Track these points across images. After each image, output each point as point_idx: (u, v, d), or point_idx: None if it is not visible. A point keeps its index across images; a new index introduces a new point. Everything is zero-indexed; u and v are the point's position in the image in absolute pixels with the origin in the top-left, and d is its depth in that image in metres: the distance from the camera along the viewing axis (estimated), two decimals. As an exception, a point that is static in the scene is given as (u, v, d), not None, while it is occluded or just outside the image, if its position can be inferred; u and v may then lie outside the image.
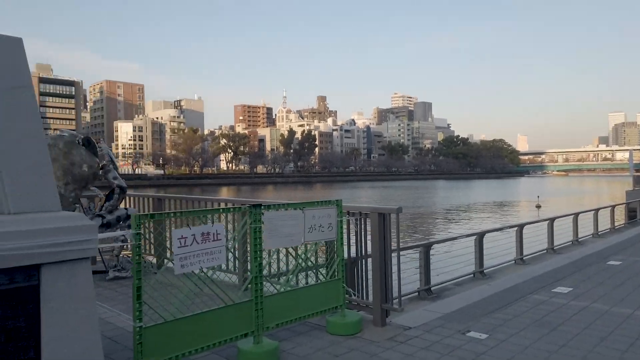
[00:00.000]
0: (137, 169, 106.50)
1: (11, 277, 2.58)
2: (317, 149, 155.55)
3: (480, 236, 8.72)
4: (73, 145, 6.41)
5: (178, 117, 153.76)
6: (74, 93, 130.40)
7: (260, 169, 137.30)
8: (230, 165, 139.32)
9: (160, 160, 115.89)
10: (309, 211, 4.39)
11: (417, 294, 7.03)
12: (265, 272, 4.05)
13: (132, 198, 8.04)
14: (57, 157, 6.19)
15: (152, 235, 3.90)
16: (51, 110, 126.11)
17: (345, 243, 4.76)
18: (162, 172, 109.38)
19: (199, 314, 3.48)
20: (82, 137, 6.61)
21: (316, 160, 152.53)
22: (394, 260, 4.90)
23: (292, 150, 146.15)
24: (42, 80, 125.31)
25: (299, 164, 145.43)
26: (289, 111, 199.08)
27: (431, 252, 7.58)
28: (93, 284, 2.91)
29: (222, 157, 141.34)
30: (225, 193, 74.83)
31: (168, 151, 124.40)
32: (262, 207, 4.00)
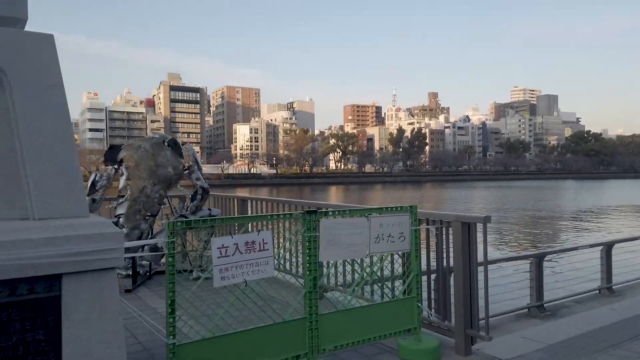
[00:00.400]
0: (252, 169, 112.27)
1: (31, 287, 2.43)
2: (427, 148, 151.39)
3: (608, 246, 7.47)
4: (159, 147, 6.55)
5: (290, 118, 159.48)
6: (199, 99, 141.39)
7: (368, 168, 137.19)
8: (339, 164, 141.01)
9: (274, 160, 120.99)
10: (376, 219, 3.87)
11: (526, 310, 6.16)
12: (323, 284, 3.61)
13: (219, 198, 8.10)
14: (144, 158, 6.35)
15: (187, 244, 3.67)
16: (179, 115, 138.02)
17: (421, 254, 4.15)
18: (274, 171, 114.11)
19: (242, 331, 3.16)
20: (169, 138, 6.73)
21: (426, 159, 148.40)
22: (491, 274, 4.20)
23: (401, 149, 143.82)
24: (172, 88, 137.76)
25: (408, 163, 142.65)
26: (398, 109, 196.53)
27: (546, 263, 6.62)
28: (119, 296, 2.71)
29: (331, 156, 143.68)
30: (333, 192, 75.78)
31: (280, 151, 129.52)
32: (319, 213, 3.58)
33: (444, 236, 4.26)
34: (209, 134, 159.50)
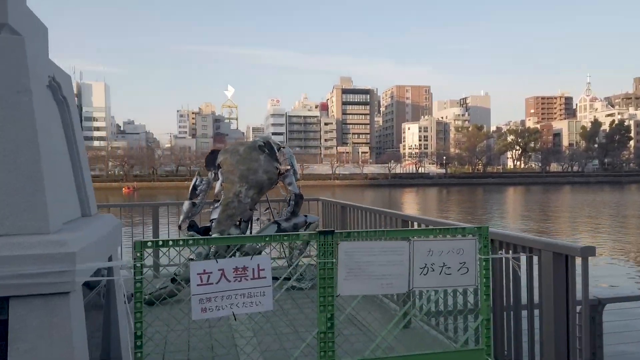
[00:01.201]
0: (420, 168, 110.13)
1: (-22, 308, 2.29)
2: (631, 142, 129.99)
3: None
4: (253, 151, 6.42)
5: (462, 115, 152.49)
6: (368, 100, 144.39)
7: (554, 167, 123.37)
8: (518, 163, 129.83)
9: (443, 159, 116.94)
10: (422, 243, 3.00)
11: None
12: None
13: (328, 204, 7.71)
14: (237, 163, 6.28)
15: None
16: (350, 116, 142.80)
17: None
18: (444, 171, 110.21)
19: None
20: (264, 142, 6.57)
21: (630, 156, 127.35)
22: (606, 317, 3.02)
23: (596, 145, 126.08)
24: (344, 91, 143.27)
25: (605, 160, 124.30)
26: (593, 99, 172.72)
27: None
28: (78, 323, 2.45)
29: (508, 154, 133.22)
30: (510, 194, 69.70)
31: (451, 150, 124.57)
32: (336, 234, 2.88)
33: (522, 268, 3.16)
34: (378, 134, 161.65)
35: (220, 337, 4.34)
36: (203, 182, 6.62)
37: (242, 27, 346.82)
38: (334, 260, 2.84)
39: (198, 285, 2.60)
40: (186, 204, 6.53)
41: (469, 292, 3.44)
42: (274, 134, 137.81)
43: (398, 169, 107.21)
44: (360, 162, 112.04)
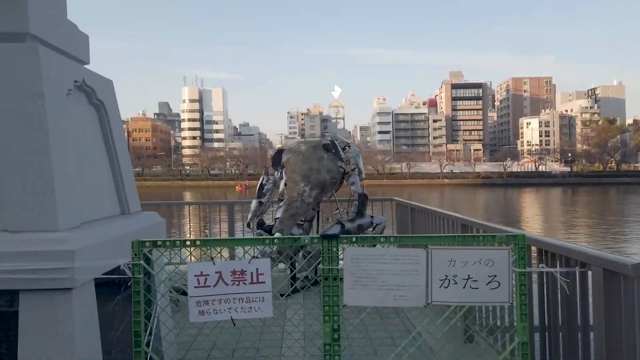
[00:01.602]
0: (540, 166, 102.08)
1: (-7, 299, 2.47)
2: None
3: None
4: (316, 150, 6.33)
5: (591, 107, 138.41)
6: (481, 95, 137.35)
7: None
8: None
9: (568, 156, 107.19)
10: (441, 252, 2.66)
11: None
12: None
13: (395, 204, 7.37)
14: (299, 162, 6.24)
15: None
16: (460, 112, 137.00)
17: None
18: (568, 169, 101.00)
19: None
20: (329, 140, 6.45)
21: None
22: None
23: None
24: (454, 86, 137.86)
25: None
26: None
27: None
28: (89, 320, 2.54)
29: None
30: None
31: (578, 146, 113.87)
32: (340, 239, 2.65)
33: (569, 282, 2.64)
34: (492, 130, 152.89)
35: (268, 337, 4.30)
36: (269, 181, 6.67)
37: (349, 29, 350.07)
38: (338, 267, 2.62)
39: (195, 287, 2.56)
40: (253, 203, 6.63)
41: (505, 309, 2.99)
42: (380, 132, 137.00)
43: (515, 167, 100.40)
44: (472, 160, 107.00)
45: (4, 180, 2.62)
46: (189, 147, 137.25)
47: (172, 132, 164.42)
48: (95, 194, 3.31)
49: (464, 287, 2.64)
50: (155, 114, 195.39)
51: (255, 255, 5.46)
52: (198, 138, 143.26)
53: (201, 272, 2.57)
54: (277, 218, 6.23)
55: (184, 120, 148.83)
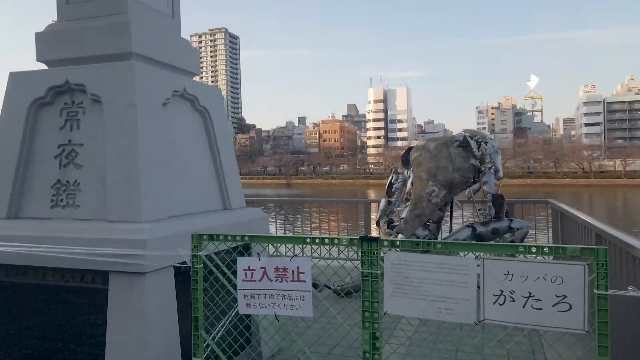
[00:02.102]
0: None
1: (93, 278, 3.01)
2: None
3: None
4: (444, 147, 5.99)
5: None
6: None
7: None
8: None
9: None
10: (497, 263, 2.28)
11: None
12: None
13: (550, 208, 6.45)
14: (426, 160, 5.98)
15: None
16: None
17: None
18: None
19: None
20: (463, 136, 6.03)
21: None
22: None
23: None
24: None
25: None
26: None
27: None
28: (150, 302, 2.89)
29: None
30: None
31: None
32: (380, 242, 2.47)
33: None
34: None
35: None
36: (399, 179, 6.53)
37: (526, 11, 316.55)
38: (377, 271, 2.47)
39: (243, 280, 2.69)
40: (382, 202, 6.57)
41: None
42: (587, 124, 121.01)
43: None
44: None
45: (107, 178, 3.13)
46: (374, 146, 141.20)
47: (358, 132, 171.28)
48: (196, 190, 3.70)
49: (523, 307, 2.23)
50: (343, 115, 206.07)
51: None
52: (382, 137, 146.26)
53: (249, 267, 2.69)
54: (402, 218, 6.07)
55: (369, 120, 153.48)
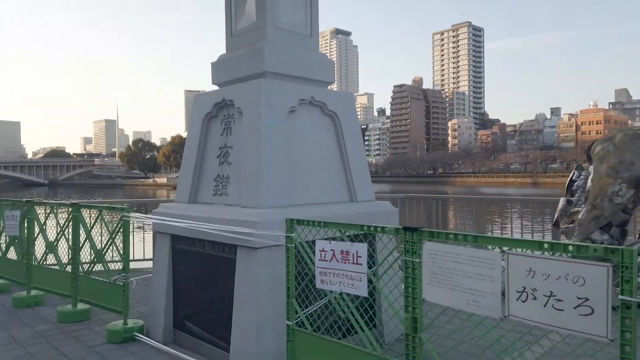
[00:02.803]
0: None
1: (229, 249, 3.92)
2: None
3: None
4: (633, 138, 5.14)
5: None
6: None
7: None
8: None
9: None
10: (521, 259, 2.16)
11: None
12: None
13: None
14: (609, 154, 5.25)
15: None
16: None
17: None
18: None
19: (343, 344, 3.03)
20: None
21: None
22: None
23: None
24: None
25: None
26: None
27: None
28: (260, 271, 3.59)
29: None
30: None
31: None
32: (421, 232, 2.57)
33: None
34: None
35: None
36: (581, 176, 5.83)
37: None
38: (418, 260, 2.60)
39: (319, 259, 3.14)
40: (561, 201, 5.96)
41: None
42: None
43: None
44: None
45: (241, 173, 3.98)
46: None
47: (630, 122, 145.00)
48: (321, 183, 4.28)
49: (544, 306, 2.11)
50: (609, 103, 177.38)
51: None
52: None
53: (322, 248, 3.12)
54: (579, 219, 5.46)
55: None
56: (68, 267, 5.15)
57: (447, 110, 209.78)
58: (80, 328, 4.68)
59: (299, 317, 3.34)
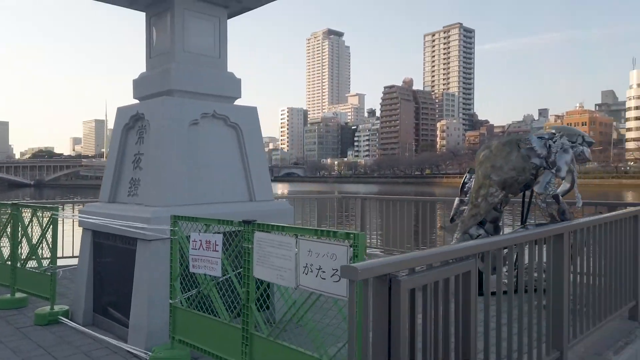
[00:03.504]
0: None
1: (133, 242, 4.60)
2: None
3: None
4: (505, 145, 5.90)
5: None
6: None
7: None
8: None
9: None
10: (306, 242, 2.89)
11: None
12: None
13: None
14: (486, 159, 6.00)
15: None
16: None
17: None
18: None
19: (202, 316, 3.74)
20: (524, 138, 5.85)
21: None
22: None
23: None
24: None
25: None
26: None
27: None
28: (153, 260, 4.29)
29: None
30: None
31: None
32: (253, 224, 3.29)
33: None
34: None
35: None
36: (471, 179, 6.58)
37: None
38: (250, 246, 3.32)
39: (192, 249, 3.85)
40: (456, 201, 6.72)
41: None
42: None
43: None
44: None
45: (146, 176, 4.68)
46: (634, 139, 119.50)
47: (614, 123, 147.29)
48: (223, 185, 4.99)
49: (316, 276, 2.83)
50: (596, 105, 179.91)
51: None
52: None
53: (194, 239, 3.83)
54: (462, 216, 6.22)
55: (629, 108, 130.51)
56: (8, 261, 5.79)
57: (437, 111, 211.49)
58: (15, 314, 5.35)
59: (186, 297, 4.04)
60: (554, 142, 5.69)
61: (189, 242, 3.86)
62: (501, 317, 3.05)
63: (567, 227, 3.64)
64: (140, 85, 5.26)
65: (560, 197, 5.51)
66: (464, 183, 6.67)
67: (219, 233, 3.65)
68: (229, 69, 5.39)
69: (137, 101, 5.32)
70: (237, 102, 5.43)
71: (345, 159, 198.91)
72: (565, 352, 3.54)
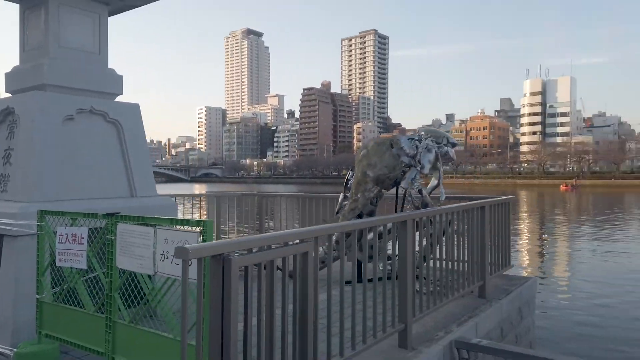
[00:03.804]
0: None
1: (2, 239, 4.47)
2: None
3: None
4: (380, 145, 6.43)
5: None
6: None
7: None
8: None
9: None
10: (163, 232, 3.09)
11: None
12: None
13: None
14: (363, 157, 6.49)
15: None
16: None
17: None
18: None
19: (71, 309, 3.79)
20: (394, 139, 6.41)
21: None
22: None
23: None
24: None
25: None
26: None
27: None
28: (18, 256, 4.24)
29: None
30: None
31: None
32: (117, 216, 3.43)
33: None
34: None
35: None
36: (353, 175, 7.08)
37: None
38: (113, 237, 3.44)
39: (58, 243, 3.87)
40: (340, 196, 7.18)
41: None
42: None
43: None
44: None
45: (15, 171, 4.59)
46: (528, 143, 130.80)
47: (510, 128, 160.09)
48: (102, 181, 4.99)
49: (171, 263, 3.03)
50: (495, 111, 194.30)
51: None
52: (538, 133, 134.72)
53: (61, 233, 3.86)
54: (344, 210, 6.67)
55: (523, 115, 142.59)
56: None
57: (354, 113, 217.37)
58: None
59: (54, 292, 4.03)
60: (421, 143, 6.30)
61: (56, 236, 3.88)
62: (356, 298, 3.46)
63: (410, 215, 4.13)
64: (12, 79, 5.12)
65: (424, 191, 6.11)
66: (347, 180, 7.15)
67: (84, 227, 3.72)
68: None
69: (9, 95, 5.16)
70: (119, 98, 5.45)
71: (265, 159, 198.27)
72: (409, 325, 4.01)
